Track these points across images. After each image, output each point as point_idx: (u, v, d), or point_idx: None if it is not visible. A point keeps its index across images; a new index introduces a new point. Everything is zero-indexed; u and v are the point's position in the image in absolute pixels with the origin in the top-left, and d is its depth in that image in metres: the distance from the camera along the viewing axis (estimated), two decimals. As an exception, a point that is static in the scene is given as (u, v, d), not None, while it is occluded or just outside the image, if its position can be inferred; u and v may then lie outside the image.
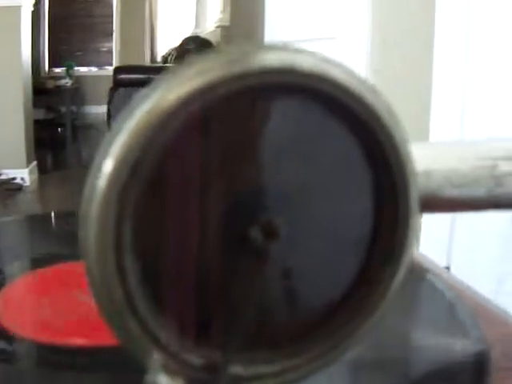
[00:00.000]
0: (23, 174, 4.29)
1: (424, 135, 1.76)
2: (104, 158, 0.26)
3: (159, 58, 8.11)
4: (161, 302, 0.28)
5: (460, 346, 0.44)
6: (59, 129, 6.87)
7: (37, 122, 6.16)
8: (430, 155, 0.36)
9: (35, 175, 4.58)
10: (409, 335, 0.48)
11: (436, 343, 0.45)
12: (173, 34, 7.97)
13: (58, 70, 8.01)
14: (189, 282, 0.29)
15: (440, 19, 1.71)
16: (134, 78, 6.19)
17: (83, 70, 8.38)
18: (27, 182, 4.32)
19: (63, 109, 6.83)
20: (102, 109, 6.56)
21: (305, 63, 0.27)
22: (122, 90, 6.18)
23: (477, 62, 1.73)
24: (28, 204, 4.08)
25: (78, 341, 0.46)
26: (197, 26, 7.60)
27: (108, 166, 0.26)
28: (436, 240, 1.76)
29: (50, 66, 8.24)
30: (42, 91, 6.63)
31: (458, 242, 1.82)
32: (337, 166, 0.31)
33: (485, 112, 1.72)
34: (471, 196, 0.36)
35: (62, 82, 6.99)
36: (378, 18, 1.74)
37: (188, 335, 0.29)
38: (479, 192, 0.36)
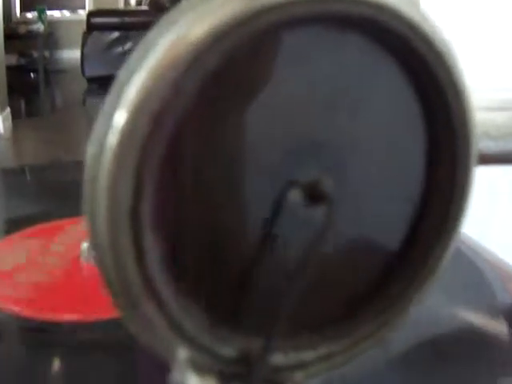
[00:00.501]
0: (-4, 122, 4.19)
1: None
2: (115, 107, 0.20)
3: (133, 2, 7.96)
4: (187, 288, 0.23)
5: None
6: (32, 74, 6.74)
7: (9, 68, 6.06)
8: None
9: (9, 122, 4.48)
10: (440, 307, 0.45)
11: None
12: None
13: (29, 14, 7.84)
14: (220, 263, 0.23)
15: None
16: (107, 22, 6.09)
17: (56, 14, 8.20)
18: (1, 130, 4.23)
19: (36, 54, 6.69)
20: (75, 53, 6.46)
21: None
22: (95, 34, 6.08)
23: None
24: (3, 153, 4.00)
25: (63, 316, 0.41)
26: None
27: (121, 117, 0.20)
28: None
29: (21, 11, 8.06)
30: (13, 36, 6.50)
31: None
32: (390, 113, 0.25)
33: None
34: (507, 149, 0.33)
35: (34, 26, 6.85)
36: None
37: (219, 324, 0.24)
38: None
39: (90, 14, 6.20)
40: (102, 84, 6.17)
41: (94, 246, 0.22)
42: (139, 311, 0.22)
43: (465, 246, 0.51)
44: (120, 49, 5.98)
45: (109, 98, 0.21)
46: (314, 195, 0.24)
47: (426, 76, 0.25)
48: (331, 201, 0.24)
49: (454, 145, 0.26)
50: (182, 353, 0.23)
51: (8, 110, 4.54)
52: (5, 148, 4.14)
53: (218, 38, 0.20)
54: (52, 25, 7.70)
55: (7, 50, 5.17)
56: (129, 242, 0.21)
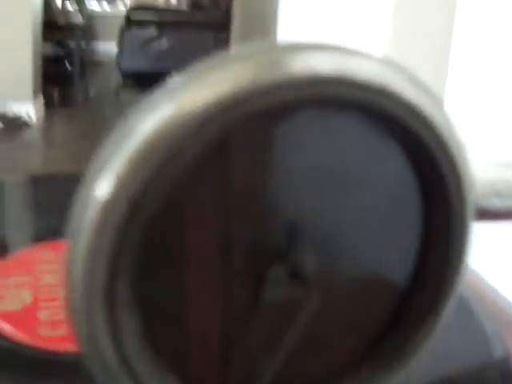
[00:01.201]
0: (29, 108, 4.22)
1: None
2: (98, 180, 0.20)
3: (174, 1, 7.99)
4: (165, 361, 0.23)
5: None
6: (68, 64, 6.78)
7: (46, 58, 6.10)
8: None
9: (41, 111, 4.51)
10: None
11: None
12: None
13: (69, 5, 7.90)
14: (200, 338, 0.23)
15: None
16: (146, 19, 6.11)
17: (95, 6, 8.25)
18: (33, 119, 4.26)
19: (73, 44, 6.73)
20: (112, 46, 6.49)
21: (361, 72, 0.21)
22: (134, 29, 6.11)
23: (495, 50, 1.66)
24: (33, 143, 4.03)
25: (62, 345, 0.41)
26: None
27: (104, 193, 0.20)
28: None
29: (62, 1, 8.12)
30: (52, 26, 6.54)
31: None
32: (387, 192, 0.25)
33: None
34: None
35: (74, 18, 6.89)
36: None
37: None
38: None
39: (131, 9, 6.23)
40: (136, 79, 6.22)
41: (71, 322, 0.21)
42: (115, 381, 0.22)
43: (468, 293, 0.50)
44: (156, 46, 6.01)
45: (91, 169, 0.21)
46: (296, 274, 0.24)
47: (425, 159, 0.24)
48: (311, 282, 0.24)
49: (450, 222, 0.26)
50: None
51: (41, 98, 4.57)
52: (36, 136, 4.17)
53: (197, 131, 0.20)
54: (91, 17, 7.77)
55: (45, 39, 5.21)
56: (103, 317, 0.21)
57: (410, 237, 0.26)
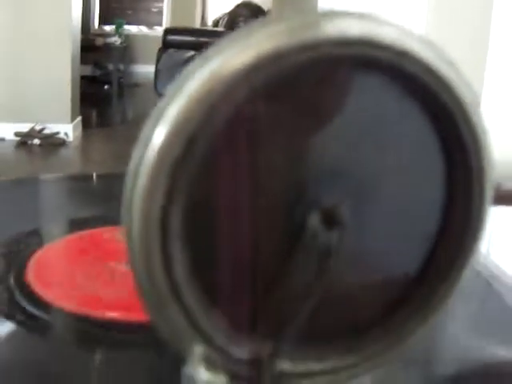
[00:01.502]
0: (67, 129, 4.28)
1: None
2: (155, 126, 0.23)
3: (210, 22, 8.05)
4: (210, 293, 0.26)
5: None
6: (106, 86, 6.86)
7: (84, 79, 6.16)
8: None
9: (79, 131, 4.58)
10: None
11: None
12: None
13: (107, 27, 8.00)
14: (242, 274, 0.26)
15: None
16: (183, 40, 6.16)
17: (133, 28, 8.35)
18: (70, 138, 4.32)
19: (111, 66, 6.81)
20: (150, 68, 6.54)
21: (387, 35, 0.24)
22: (170, 51, 6.16)
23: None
24: (70, 160, 4.09)
25: (112, 314, 0.44)
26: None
27: (160, 135, 0.23)
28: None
29: (100, 24, 8.22)
30: (90, 48, 6.64)
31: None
32: (409, 152, 0.28)
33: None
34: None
35: (111, 39, 6.98)
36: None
37: (237, 328, 0.26)
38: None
39: (167, 32, 6.28)
40: (172, 100, 6.24)
41: (128, 250, 0.24)
42: (164, 312, 0.25)
43: (496, 282, 0.52)
44: (193, 67, 6.06)
45: (149, 121, 0.24)
46: (331, 220, 0.26)
47: (446, 122, 0.27)
48: (344, 227, 0.26)
49: (471, 185, 0.28)
50: (198, 350, 0.25)
51: (79, 119, 4.64)
52: (73, 155, 4.23)
53: (248, 74, 0.23)
54: (129, 39, 7.85)
55: (83, 60, 5.28)
56: (158, 248, 0.24)
57: (435, 194, 0.29)
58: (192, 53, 6.19)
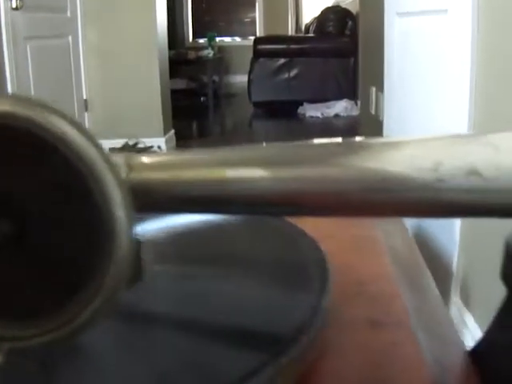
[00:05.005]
0: (160, 143, 4.40)
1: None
2: None
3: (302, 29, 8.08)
4: None
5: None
6: (201, 98, 6.98)
7: (179, 92, 6.26)
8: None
9: (173, 143, 4.69)
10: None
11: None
12: (318, 4, 7.91)
13: (201, 40, 8.14)
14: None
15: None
16: (274, 49, 6.21)
17: (227, 40, 8.48)
18: (164, 149, 4.43)
19: (205, 78, 6.93)
20: (245, 78, 6.56)
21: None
22: (261, 61, 6.21)
23: None
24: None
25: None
26: (338, -5, 7.55)
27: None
28: None
29: (193, 37, 8.39)
30: (184, 62, 6.77)
31: None
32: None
33: None
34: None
35: (204, 52, 7.09)
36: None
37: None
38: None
39: (257, 41, 6.33)
40: (266, 109, 6.30)
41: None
42: None
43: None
44: (286, 75, 6.10)
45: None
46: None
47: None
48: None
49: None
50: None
51: (172, 132, 4.74)
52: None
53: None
54: (222, 50, 7.92)
55: (178, 74, 5.38)
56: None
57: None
58: (283, 60, 6.25)
